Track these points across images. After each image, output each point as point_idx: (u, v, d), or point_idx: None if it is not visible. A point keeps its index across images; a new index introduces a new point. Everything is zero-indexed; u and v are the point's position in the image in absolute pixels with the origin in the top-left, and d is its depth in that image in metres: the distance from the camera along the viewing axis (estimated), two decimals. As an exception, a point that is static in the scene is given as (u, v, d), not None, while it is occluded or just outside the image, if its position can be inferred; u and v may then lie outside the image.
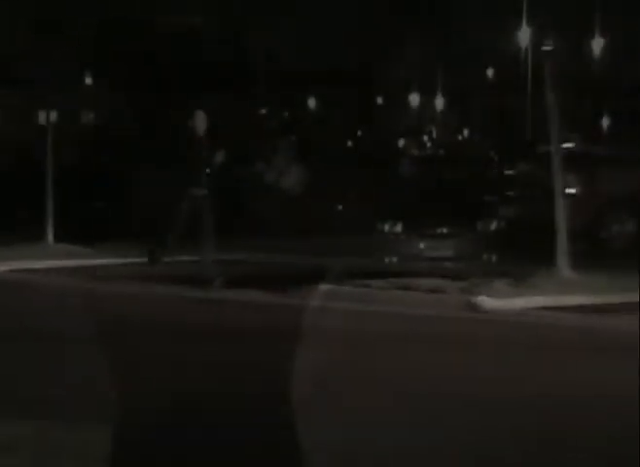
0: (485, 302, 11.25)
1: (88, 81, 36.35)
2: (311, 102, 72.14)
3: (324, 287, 12.30)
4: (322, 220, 17.44)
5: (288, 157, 14.40)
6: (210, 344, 9.02)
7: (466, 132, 75.27)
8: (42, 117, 29.65)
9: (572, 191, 15.08)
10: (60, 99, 32.74)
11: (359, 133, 65.67)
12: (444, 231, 14.60)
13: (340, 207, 19.38)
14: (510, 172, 19.13)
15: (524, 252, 13.70)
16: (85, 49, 32.39)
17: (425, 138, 68.27)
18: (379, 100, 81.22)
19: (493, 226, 14.60)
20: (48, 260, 15.34)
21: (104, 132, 29.45)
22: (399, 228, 15.37)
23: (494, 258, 14.51)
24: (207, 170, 12.98)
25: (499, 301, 11.24)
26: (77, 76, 34.04)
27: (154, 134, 27.77)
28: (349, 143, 49.68)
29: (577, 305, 11.05)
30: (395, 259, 14.96)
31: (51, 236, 16.79)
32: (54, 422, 6.21)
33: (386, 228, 15.51)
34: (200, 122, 12.93)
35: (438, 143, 62.89)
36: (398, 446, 5.98)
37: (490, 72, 76.79)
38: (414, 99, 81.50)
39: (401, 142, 54.15)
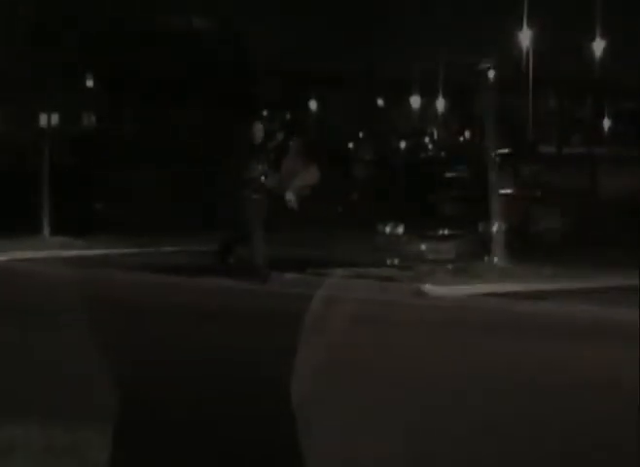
0: (431, 289, 12.30)
1: (89, 83, 36.40)
2: (312, 104, 72.26)
3: (288, 275, 13.40)
4: (323, 220, 17.57)
5: (299, 158, 14.02)
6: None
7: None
8: (43, 119, 29.78)
9: (508, 191, 16.06)
10: (61, 102, 32.81)
11: (360, 135, 65.76)
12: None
13: (341, 209, 19.42)
14: (451, 174, 20.35)
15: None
16: (85, 50, 32.40)
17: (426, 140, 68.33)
18: (380, 102, 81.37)
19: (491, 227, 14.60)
20: (44, 250, 16.52)
21: (102, 134, 30.04)
22: (400, 229, 15.36)
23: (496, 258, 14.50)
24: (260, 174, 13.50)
25: (443, 288, 12.31)
26: (78, 78, 34.04)
27: (144, 136, 28.46)
28: (350, 145, 49.70)
29: (511, 292, 12.07)
30: (396, 260, 14.95)
31: (47, 230, 18.01)
32: (54, 423, 6.19)
33: (387, 229, 15.51)
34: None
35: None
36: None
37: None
38: (415, 101, 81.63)
39: (402, 144, 54.11)
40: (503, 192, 14.82)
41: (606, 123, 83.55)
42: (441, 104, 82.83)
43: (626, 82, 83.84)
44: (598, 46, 62.73)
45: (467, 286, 12.48)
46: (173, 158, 23.92)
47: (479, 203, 15.18)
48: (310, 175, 13.75)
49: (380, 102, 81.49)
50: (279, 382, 6.80)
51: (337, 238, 16.42)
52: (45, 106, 28.59)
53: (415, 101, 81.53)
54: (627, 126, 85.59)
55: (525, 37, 63.96)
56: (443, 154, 31.45)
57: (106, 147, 25.61)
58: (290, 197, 13.60)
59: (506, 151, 18.43)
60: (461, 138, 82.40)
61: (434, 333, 9.63)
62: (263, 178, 13.34)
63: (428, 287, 12.40)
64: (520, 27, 63.91)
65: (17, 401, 6.83)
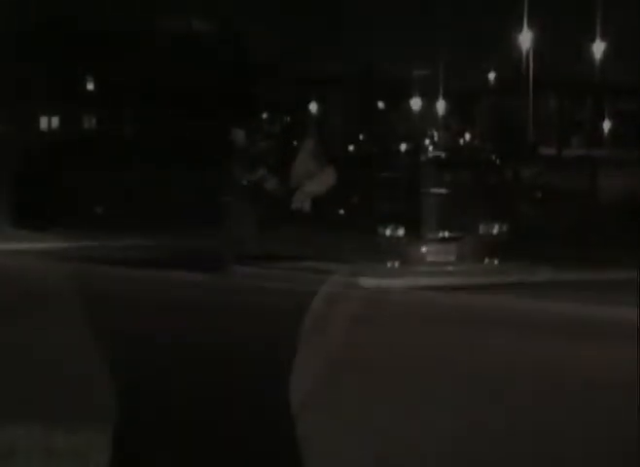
0: (366, 281, 13.19)
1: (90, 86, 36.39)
2: (312, 106, 72.20)
3: (247, 268, 14.11)
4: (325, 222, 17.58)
5: (313, 159, 13.39)
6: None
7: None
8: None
9: (441, 191, 16.71)
10: (59, 105, 32.81)
11: (360, 137, 65.71)
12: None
13: (342, 211, 19.38)
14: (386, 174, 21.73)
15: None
16: (83, 52, 32.40)
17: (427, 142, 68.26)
18: (381, 104, 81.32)
19: (494, 229, 14.59)
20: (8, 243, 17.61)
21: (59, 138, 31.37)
22: (401, 231, 15.34)
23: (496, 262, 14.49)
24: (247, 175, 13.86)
25: (377, 280, 13.31)
26: (75, 81, 34.03)
27: (126, 137, 29.15)
28: (350, 147, 49.71)
29: (441, 284, 13.00)
30: (397, 264, 14.97)
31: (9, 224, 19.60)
32: (54, 425, 6.19)
33: (388, 232, 15.49)
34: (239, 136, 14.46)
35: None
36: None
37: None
38: (416, 103, 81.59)
39: (403, 146, 54.06)
40: (435, 191, 15.57)
41: (606, 124, 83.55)
42: (441, 106, 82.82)
43: (627, 83, 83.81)
44: (598, 47, 62.74)
45: (403, 279, 13.44)
46: (162, 158, 24.74)
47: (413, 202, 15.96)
48: (326, 177, 13.09)
49: (381, 104, 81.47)
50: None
51: (334, 240, 16.49)
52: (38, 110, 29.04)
53: (416, 103, 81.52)
54: (628, 128, 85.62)
55: (525, 38, 63.98)
56: (443, 155, 31.41)
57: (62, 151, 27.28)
58: (300, 202, 12.96)
59: (439, 154, 19.32)
60: (461, 140, 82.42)
61: (360, 321, 10.00)
62: (245, 178, 13.56)
63: (364, 280, 13.17)
64: (520, 29, 63.93)
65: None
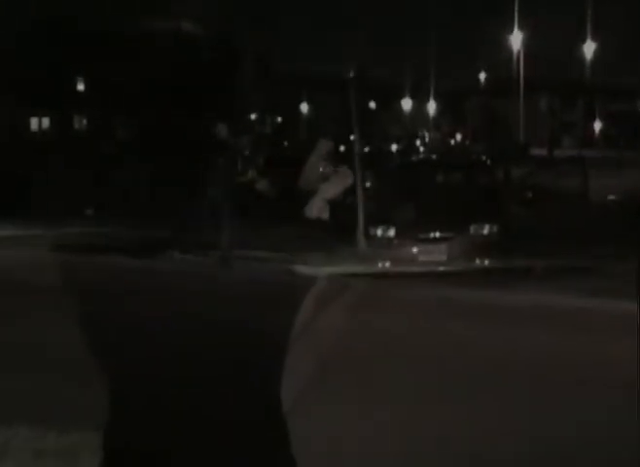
0: (301, 269, 14.00)
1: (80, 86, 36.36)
2: (304, 107, 72.30)
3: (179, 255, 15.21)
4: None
5: (328, 159, 12.13)
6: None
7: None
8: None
9: (432, 191, 17.15)
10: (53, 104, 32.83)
11: (351, 138, 65.75)
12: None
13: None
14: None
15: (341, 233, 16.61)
16: (75, 53, 32.41)
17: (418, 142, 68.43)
18: (372, 104, 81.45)
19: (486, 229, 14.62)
20: None
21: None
22: (391, 232, 15.34)
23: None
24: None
25: (311, 268, 14.04)
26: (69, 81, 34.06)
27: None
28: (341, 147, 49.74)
29: (370, 272, 13.97)
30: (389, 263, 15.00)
31: None
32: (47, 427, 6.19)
33: (379, 232, 15.49)
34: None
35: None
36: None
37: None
38: (407, 103, 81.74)
39: (394, 146, 54.13)
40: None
41: (597, 125, 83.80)
42: (432, 107, 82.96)
43: (617, 84, 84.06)
44: (589, 48, 62.90)
45: (333, 267, 14.17)
46: (149, 157, 25.59)
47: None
48: (343, 178, 12.46)
49: (372, 105, 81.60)
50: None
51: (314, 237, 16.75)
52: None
53: (407, 104, 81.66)
54: (619, 128, 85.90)
55: (516, 39, 64.11)
56: (433, 156, 31.46)
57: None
58: (318, 210, 11.95)
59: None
60: (452, 141, 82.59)
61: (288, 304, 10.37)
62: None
63: (298, 267, 14.08)
64: (511, 30, 64.08)
65: None
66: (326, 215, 13.03)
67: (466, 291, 11.91)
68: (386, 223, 15.42)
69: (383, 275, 14.13)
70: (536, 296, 11.39)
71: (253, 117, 42.73)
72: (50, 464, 5.70)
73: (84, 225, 19.52)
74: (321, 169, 12.80)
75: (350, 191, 16.24)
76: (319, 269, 13.99)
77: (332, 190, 11.66)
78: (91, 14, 32.61)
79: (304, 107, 72.57)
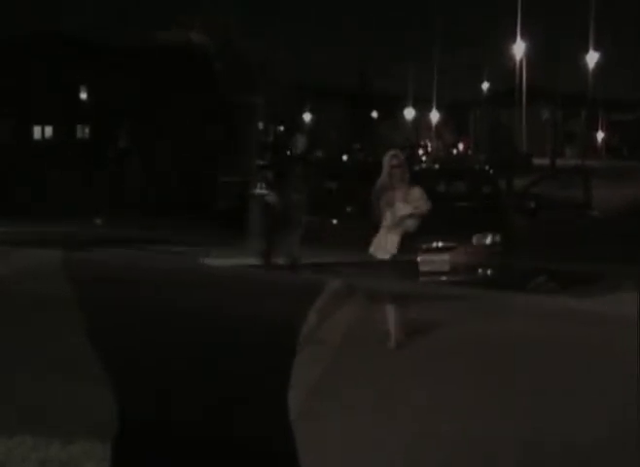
0: (208, 260, 15.73)
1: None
2: (306, 117, 72.37)
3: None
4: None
5: (402, 175, 9.44)
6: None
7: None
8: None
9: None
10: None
11: (355, 147, 65.84)
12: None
13: (335, 221, 19.38)
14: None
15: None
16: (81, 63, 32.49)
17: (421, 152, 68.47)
18: (375, 114, 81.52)
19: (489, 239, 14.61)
20: None
21: None
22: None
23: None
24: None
25: (217, 260, 15.75)
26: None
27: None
28: (344, 157, 49.81)
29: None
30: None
31: None
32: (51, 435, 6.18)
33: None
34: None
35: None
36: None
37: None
38: (410, 113, 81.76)
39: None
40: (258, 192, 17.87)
41: (599, 135, 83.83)
42: (435, 117, 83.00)
43: (620, 95, 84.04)
44: (592, 58, 62.94)
45: (238, 259, 15.60)
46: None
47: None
48: (417, 199, 9.51)
49: (375, 115, 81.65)
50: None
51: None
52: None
53: (409, 113, 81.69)
54: (621, 138, 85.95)
55: (519, 49, 64.17)
56: (436, 165, 31.43)
57: None
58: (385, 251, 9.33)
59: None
60: (454, 150, 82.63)
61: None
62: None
63: (207, 259, 15.73)
64: (514, 40, 64.14)
65: None
66: (394, 252, 10.70)
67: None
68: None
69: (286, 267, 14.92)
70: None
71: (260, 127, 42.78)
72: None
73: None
74: (394, 190, 9.75)
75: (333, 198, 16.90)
76: (226, 261, 15.66)
77: (406, 210, 9.43)
78: (98, 26, 32.85)
79: (307, 116, 72.64)
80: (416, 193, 9.61)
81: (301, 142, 15.76)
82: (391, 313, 9.31)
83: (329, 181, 21.07)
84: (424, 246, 14.80)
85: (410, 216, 9.54)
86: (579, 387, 7.74)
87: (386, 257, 9.41)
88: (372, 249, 9.53)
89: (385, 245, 9.45)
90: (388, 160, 9.65)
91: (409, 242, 9.57)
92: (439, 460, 6.14)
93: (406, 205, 9.54)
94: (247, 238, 17.50)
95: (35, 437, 6.14)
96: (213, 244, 17.22)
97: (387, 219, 9.52)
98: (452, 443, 6.41)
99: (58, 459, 5.88)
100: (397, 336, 9.17)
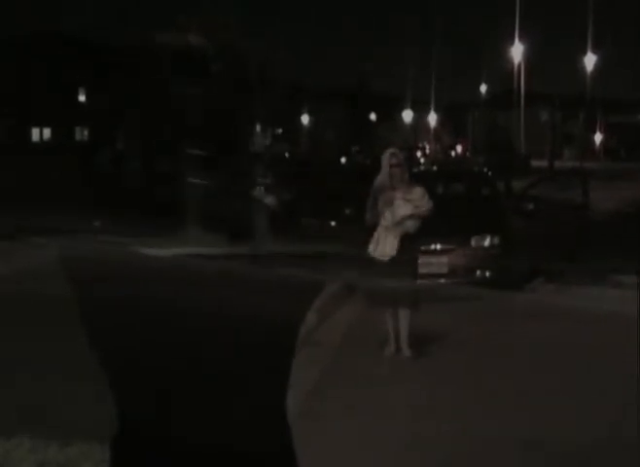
0: (145, 250, 16.38)
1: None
2: (305, 118, 72.39)
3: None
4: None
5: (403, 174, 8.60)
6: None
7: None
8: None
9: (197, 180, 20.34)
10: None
11: (353, 149, 65.85)
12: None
13: (334, 223, 19.40)
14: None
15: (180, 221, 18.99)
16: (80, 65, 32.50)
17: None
18: (373, 116, 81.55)
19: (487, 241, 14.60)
20: None
21: None
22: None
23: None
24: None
25: (154, 250, 16.39)
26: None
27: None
28: (343, 159, 49.81)
29: (205, 253, 15.69)
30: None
31: None
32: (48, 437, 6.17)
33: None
34: None
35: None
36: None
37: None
38: (408, 115, 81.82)
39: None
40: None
41: (597, 137, 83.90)
42: (433, 119, 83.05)
43: (618, 95, 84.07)
44: (590, 60, 63.01)
45: (170, 249, 16.33)
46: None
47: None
48: (418, 198, 9.09)
49: (373, 117, 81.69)
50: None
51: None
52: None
53: (408, 115, 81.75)
54: (619, 140, 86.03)
55: (517, 51, 64.25)
56: (434, 167, 31.39)
57: None
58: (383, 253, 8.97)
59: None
60: (453, 152, 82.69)
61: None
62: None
63: (145, 249, 16.38)
64: (512, 42, 64.20)
65: None
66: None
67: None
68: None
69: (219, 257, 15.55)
70: None
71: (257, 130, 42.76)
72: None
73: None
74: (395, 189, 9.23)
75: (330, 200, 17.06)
76: (161, 250, 16.28)
77: (406, 210, 8.99)
78: (97, 27, 32.95)
79: (305, 119, 72.65)
80: (417, 192, 9.23)
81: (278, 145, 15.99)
82: (391, 319, 9.01)
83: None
84: (422, 248, 14.81)
85: (411, 216, 9.14)
86: (579, 387, 7.75)
87: (385, 259, 9.03)
88: (370, 249, 9.15)
89: (384, 247, 9.07)
90: (387, 158, 9.23)
91: (409, 244, 9.21)
92: (439, 460, 6.13)
93: (406, 205, 9.13)
94: (184, 228, 18.42)
95: (33, 439, 6.13)
96: (151, 234, 17.63)
97: (386, 219, 9.11)
98: (453, 442, 6.40)
99: (56, 461, 5.87)
100: (398, 343, 8.90)
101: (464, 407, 7.22)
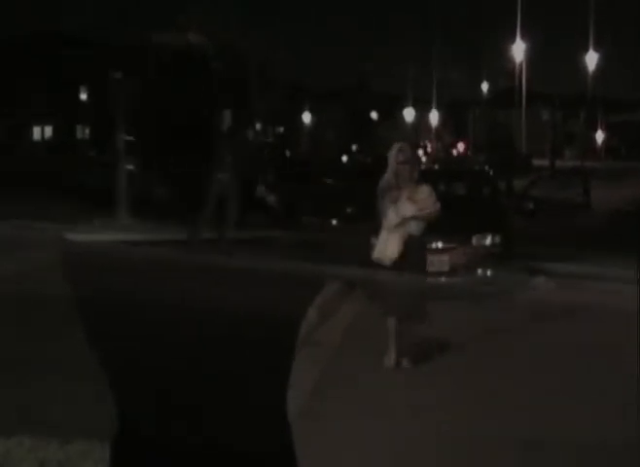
0: (71, 236, 16.22)
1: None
2: (305, 117, 72.36)
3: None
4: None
5: (411, 170, 7.91)
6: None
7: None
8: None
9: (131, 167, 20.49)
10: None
11: (354, 148, 65.85)
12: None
13: (335, 222, 19.40)
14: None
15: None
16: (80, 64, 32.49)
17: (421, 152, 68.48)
18: (374, 115, 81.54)
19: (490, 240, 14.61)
20: None
21: None
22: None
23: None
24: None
25: (81, 235, 16.27)
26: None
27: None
28: (344, 158, 49.77)
29: (131, 240, 15.91)
30: None
31: None
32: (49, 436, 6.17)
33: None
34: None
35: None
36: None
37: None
38: (409, 113, 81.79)
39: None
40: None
41: (599, 136, 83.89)
42: (435, 117, 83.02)
43: (619, 94, 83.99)
44: (591, 59, 62.98)
45: (99, 235, 16.52)
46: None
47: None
48: (424, 197, 8.42)
49: (374, 115, 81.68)
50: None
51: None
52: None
53: (409, 114, 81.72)
54: (620, 140, 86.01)
55: (518, 50, 64.22)
56: (436, 166, 31.41)
57: None
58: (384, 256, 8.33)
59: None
60: (454, 151, 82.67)
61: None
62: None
63: (69, 234, 16.25)
64: (513, 41, 64.18)
65: None
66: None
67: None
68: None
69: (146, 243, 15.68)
70: None
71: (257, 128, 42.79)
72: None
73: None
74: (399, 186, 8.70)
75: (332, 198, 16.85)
76: (87, 236, 16.31)
77: (409, 209, 8.34)
78: (96, 25, 32.98)
79: (306, 118, 72.64)
80: (424, 191, 8.50)
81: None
82: (392, 328, 8.43)
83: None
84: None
85: (414, 218, 8.43)
86: (579, 386, 7.75)
87: (386, 263, 8.34)
88: (375, 254, 8.41)
89: (385, 249, 8.35)
90: (394, 155, 8.42)
91: (415, 247, 8.49)
92: (439, 460, 6.13)
93: (411, 205, 8.39)
94: (115, 214, 18.62)
95: (33, 437, 6.12)
96: (80, 220, 17.82)
97: (389, 219, 8.40)
98: (453, 442, 6.40)
99: (56, 460, 5.87)
100: (398, 354, 8.35)
101: (464, 407, 7.22)
